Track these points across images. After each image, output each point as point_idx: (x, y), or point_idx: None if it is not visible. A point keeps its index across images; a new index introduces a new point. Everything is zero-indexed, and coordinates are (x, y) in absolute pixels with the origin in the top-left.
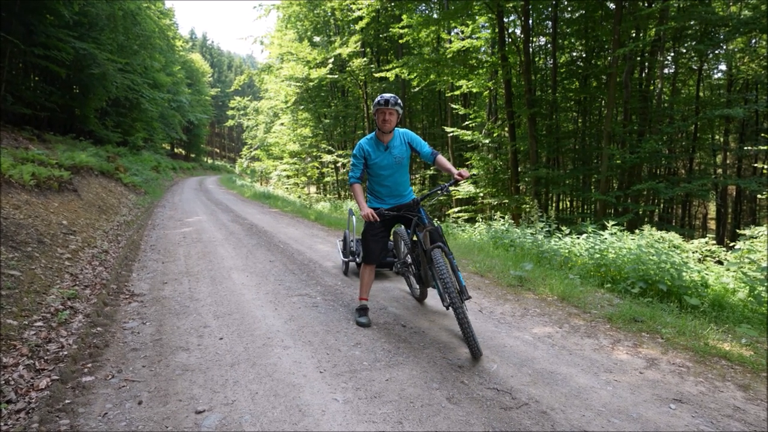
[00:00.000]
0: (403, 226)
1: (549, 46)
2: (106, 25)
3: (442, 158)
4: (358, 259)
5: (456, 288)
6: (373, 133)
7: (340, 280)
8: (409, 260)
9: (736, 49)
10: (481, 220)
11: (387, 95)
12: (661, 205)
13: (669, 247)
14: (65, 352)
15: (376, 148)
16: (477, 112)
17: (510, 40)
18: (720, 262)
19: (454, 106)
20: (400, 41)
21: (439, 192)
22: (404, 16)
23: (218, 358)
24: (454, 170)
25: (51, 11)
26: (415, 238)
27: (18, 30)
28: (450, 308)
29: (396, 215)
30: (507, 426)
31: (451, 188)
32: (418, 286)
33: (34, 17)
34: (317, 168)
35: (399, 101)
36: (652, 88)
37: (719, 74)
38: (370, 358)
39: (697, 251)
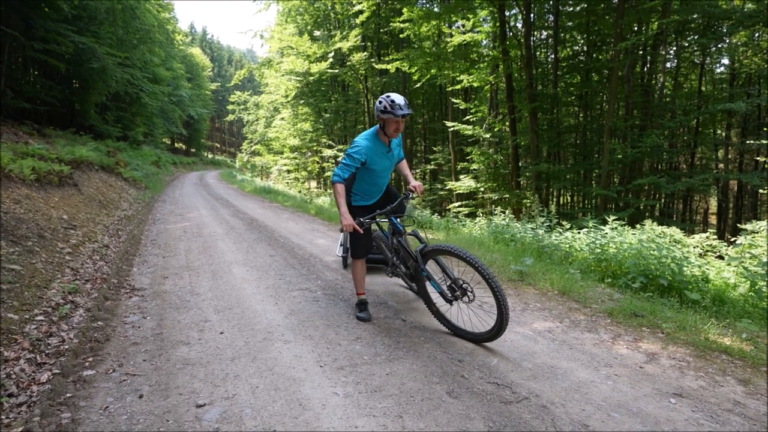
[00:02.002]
0: (379, 230)
1: (550, 40)
2: (105, 19)
3: (403, 164)
4: None
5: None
6: (374, 130)
7: (341, 275)
8: (396, 260)
9: (738, 43)
10: (481, 214)
11: (401, 104)
12: (662, 200)
13: (670, 242)
14: (66, 346)
15: (378, 149)
16: (478, 107)
17: (511, 34)
18: (721, 257)
19: (454, 100)
20: (401, 36)
21: (405, 199)
22: (405, 10)
23: (219, 352)
24: (411, 180)
25: (50, 5)
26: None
27: (17, 24)
28: (460, 298)
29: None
30: (507, 420)
31: (411, 196)
32: (414, 284)
33: (33, 11)
34: (318, 163)
35: (409, 108)
36: (654, 82)
37: (722, 68)
38: (370, 352)
39: (698, 246)
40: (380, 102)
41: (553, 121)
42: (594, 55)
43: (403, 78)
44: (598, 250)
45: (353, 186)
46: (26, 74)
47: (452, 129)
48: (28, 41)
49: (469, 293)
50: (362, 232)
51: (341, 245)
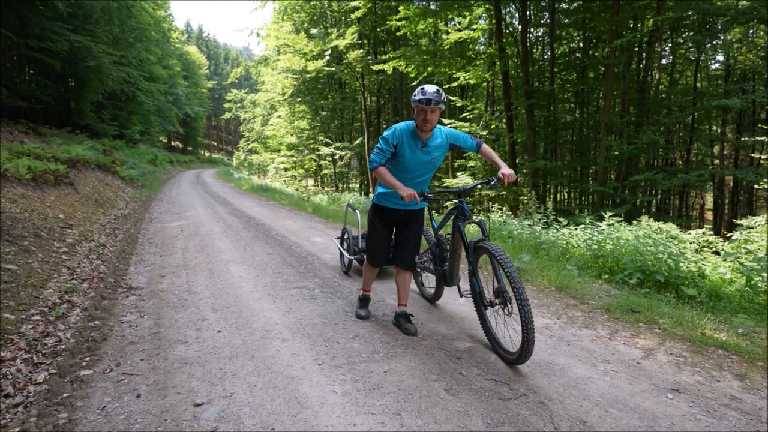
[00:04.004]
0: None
1: (547, 37)
2: (100, 18)
3: (487, 148)
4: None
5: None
6: (413, 122)
7: (338, 273)
8: (428, 256)
9: (733, 40)
10: (478, 211)
11: (429, 90)
12: (659, 196)
13: (666, 237)
14: (63, 346)
15: (412, 141)
16: (474, 104)
17: (508, 31)
18: (717, 253)
19: (451, 97)
20: (398, 34)
21: (485, 185)
22: (401, 8)
23: (217, 351)
24: (502, 166)
25: (45, 3)
26: (443, 233)
27: (13, 22)
28: (507, 305)
29: (401, 217)
30: (505, 417)
31: (494, 183)
32: (433, 286)
33: (28, 9)
34: (315, 160)
35: (443, 96)
36: (649, 79)
37: (717, 65)
38: (368, 350)
39: (694, 242)
40: (414, 93)
41: (549, 118)
42: (590, 52)
43: (400, 76)
44: (595, 247)
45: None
46: (21, 72)
47: (449, 126)
48: (23, 39)
49: (509, 306)
50: (419, 201)
51: (344, 249)
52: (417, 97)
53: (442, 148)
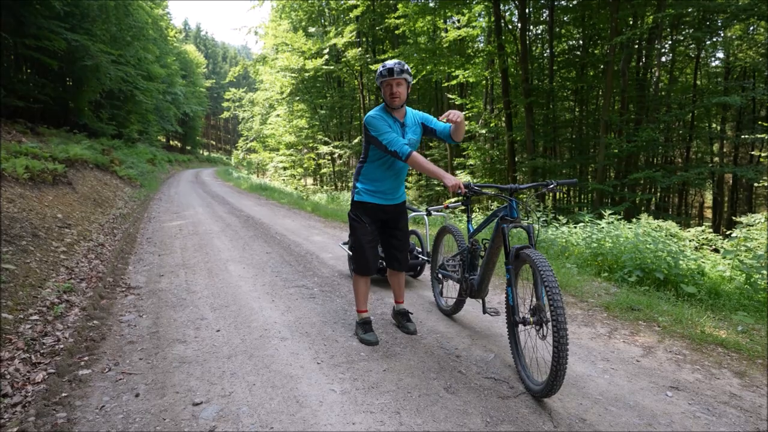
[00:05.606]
0: (467, 217)
1: (546, 34)
2: (98, 16)
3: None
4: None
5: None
6: (380, 106)
7: (337, 272)
8: (457, 262)
9: (733, 37)
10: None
11: (390, 62)
12: (658, 194)
13: (666, 235)
14: (61, 346)
15: (390, 119)
16: (474, 102)
17: (507, 28)
18: (716, 250)
19: (450, 96)
20: (396, 32)
21: (542, 187)
22: (400, 6)
23: (215, 350)
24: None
25: (41, 2)
26: (479, 238)
27: (10, 21)
28: (542, 327)
29: (388, 214)
30: (505, 415)
31: (553, 188)
32: (453, 297)
33: (25, 8)
34: (314, 159)
35: (406, 67)
36: (649, 76)
37: (717, 62)
38: (367, 348)
39: (693, 240)
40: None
41: (549, 116)
42: (590, 49)
43: None
44: (595, 245)
45: (363, 169)
46: (19, 72)
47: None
48: (20, 38)
49: (544, 328)
50: (464, 191)
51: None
52: (379, 71)
53: (415, 128)
